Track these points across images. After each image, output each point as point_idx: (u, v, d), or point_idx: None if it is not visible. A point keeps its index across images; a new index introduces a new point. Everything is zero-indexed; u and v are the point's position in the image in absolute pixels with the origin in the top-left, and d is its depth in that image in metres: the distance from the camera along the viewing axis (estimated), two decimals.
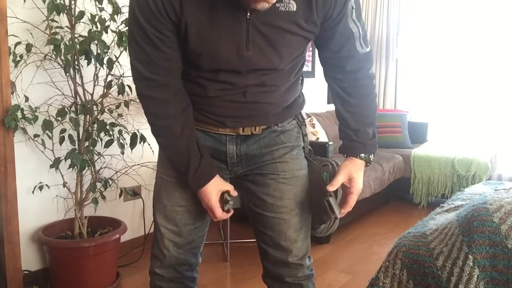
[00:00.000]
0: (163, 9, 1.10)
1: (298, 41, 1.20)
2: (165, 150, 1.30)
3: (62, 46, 2.21)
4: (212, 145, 1.31)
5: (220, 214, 1.28)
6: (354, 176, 1.30)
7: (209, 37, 1.13)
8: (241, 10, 1.09)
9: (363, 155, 1.32)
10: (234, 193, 1.31)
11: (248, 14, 1.11)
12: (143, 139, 2.44)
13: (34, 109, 2.23)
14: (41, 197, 2.46)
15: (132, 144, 2.42)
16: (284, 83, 1.28)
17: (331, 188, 1.28)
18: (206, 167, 1.26)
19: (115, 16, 2.32)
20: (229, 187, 1.31)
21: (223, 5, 1.08)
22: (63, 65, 2.25)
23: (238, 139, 1.31)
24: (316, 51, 1.30)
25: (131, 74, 1.23)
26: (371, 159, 1.33)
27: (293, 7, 1.13)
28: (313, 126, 3.77)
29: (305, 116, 1.43)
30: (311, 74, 4.38)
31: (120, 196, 2.65)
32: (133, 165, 2.61)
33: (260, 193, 1.34)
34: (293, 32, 1.16)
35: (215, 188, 1.27)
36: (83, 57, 2.28)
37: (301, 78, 1.38)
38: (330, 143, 3.05)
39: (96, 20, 2.29)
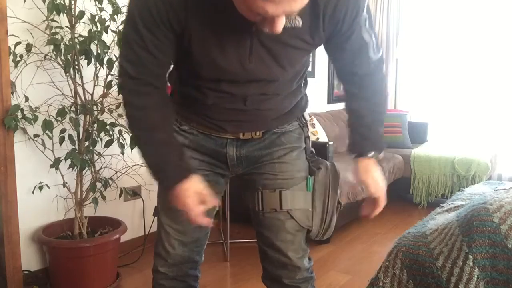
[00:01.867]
0: (166, 19, 1.09)
1: (301, 54, 1.22)
2: (142, 144, 1.23)
3: (62, 46, 2.21)
4: (213, 146, 1.32)
5: (196, 215, 1.18)
6: (374, 176, 1.30)
7: (213, 49, 1.13)
8: (247, 24, 1.06)
9: (373, 153, 1.30)
10: (213, 201, 1.21)
11: (254, 29, 1.09)
12: None
13: (34, 109, 2.23)
14: (41, 197, 2.46)
15: (132, 144, 2.41)
16: (286, 90, 1.28)
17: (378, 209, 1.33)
18: (187, 163, 1.23)
19: (115, 16, 2.32)
20: (207, 192, 1.20)
21: (230, 18, 1.05)
22: (63, 65, 2.24)
23: (238, 142, 1.32)
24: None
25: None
26: (380, 158, 1.32)
27: (299, 23, 1.12)
28: (313, 126, 3.77)
29: (308, 118, 1.43)
30: (311, 74, 4.38)
31: (120, 196, 2.65)
32: (133, 165, 2.61)
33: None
34: (297, 47, 1.17)
35: (194, 186, 1.19)
36: (83, 57, 2.28)
37: (304, 81, 1.37)
38: (330, 143, 3.05)
39: (96, 20, 2.29)
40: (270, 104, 1.27)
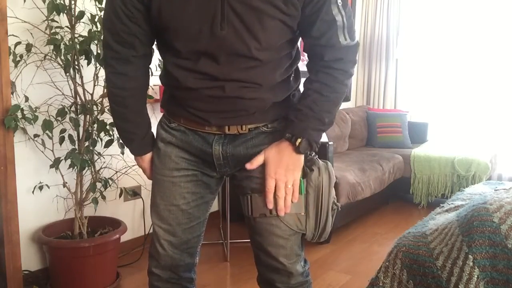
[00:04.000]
0: None
1: (276, 27, 1.14)
2: (115, 116, 1.36)
3: (62, 46, 2.21)
4: (200, 145, 1.29)
5: (149, 176, 1.44)
6: (269, 157, 1.23)
7: (179, 10, 1.13)
8: None
9: (289, 135, 1.21)
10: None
11: None
12: None
13: (34, 109, 2.23)
14: (41, 197, 2.46)
15: None
16: (268, 81, 1.21)
17: (249, 166, 1.24)
18: (151, 138, 1.39)
19: None
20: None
21: None
22: (63, 65, 2.25)
23: (225, 139, 1.27)
24: None
25: None
26: (302, 147, 1.21)
27: None
28: None
29: None
30: None
31: (120, 196, 2.65)
32: (133, 165, 2.60)
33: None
34: (270, 15, 1.11)
35: (150, 156, 1.41)
36: (83, 57, 2.28)
37: (293, 75, 1.31)
38: (330, 143, 3.05)
39: (96, 20, 2.29)
40: (253, 93, 1.20)
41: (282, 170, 1.23)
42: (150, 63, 1.33)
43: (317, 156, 1.34)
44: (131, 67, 1.26)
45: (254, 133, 1.27)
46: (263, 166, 1.27)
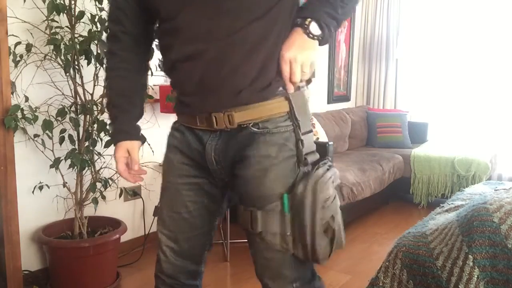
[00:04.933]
0: None
1: None
2: (107, 99, 1.40)
3: (62, 46, 2.21)
4: (197, 147, 1.25)
5: (120, 168, 1.39)
6: (290, 39, 1.14)
7: None
8: None
9: (299, 20, 1.13)
10: (135, 168, 1.39)
11: None
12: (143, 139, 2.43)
13: (34, 109, 2.23)
14: (41, 197, 2.46)
15: None
16: (250, 35, 1.11)
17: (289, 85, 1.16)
18: (131, 130, 1.37)
19: None
20: (135, 160, 1.38)
21: None
22: (63, 65, 2.25)
23: (218, 140, 1.21)
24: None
25: None
26: (312, 26, 1.12)
27: None
28: (313, 126, 3.77)
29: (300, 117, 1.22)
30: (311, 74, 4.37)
31: (120, 196, 2.65)
32: None
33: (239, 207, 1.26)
34: None
35: (126, 147, 1.37)
36: (83, 57, 2.28)
37: None
38: (330, 143, 3.05)
39: (96, 20, 2.29)
40: (237, 53, 1.11)
41: (295, 49, 1.12)
42: (145, 50, 1.35)
43: (330, 162, 1.21)
44: (118, 45, 1.31)
45: (244, 134, 1.19)
46: (249, 179, 1.19)
